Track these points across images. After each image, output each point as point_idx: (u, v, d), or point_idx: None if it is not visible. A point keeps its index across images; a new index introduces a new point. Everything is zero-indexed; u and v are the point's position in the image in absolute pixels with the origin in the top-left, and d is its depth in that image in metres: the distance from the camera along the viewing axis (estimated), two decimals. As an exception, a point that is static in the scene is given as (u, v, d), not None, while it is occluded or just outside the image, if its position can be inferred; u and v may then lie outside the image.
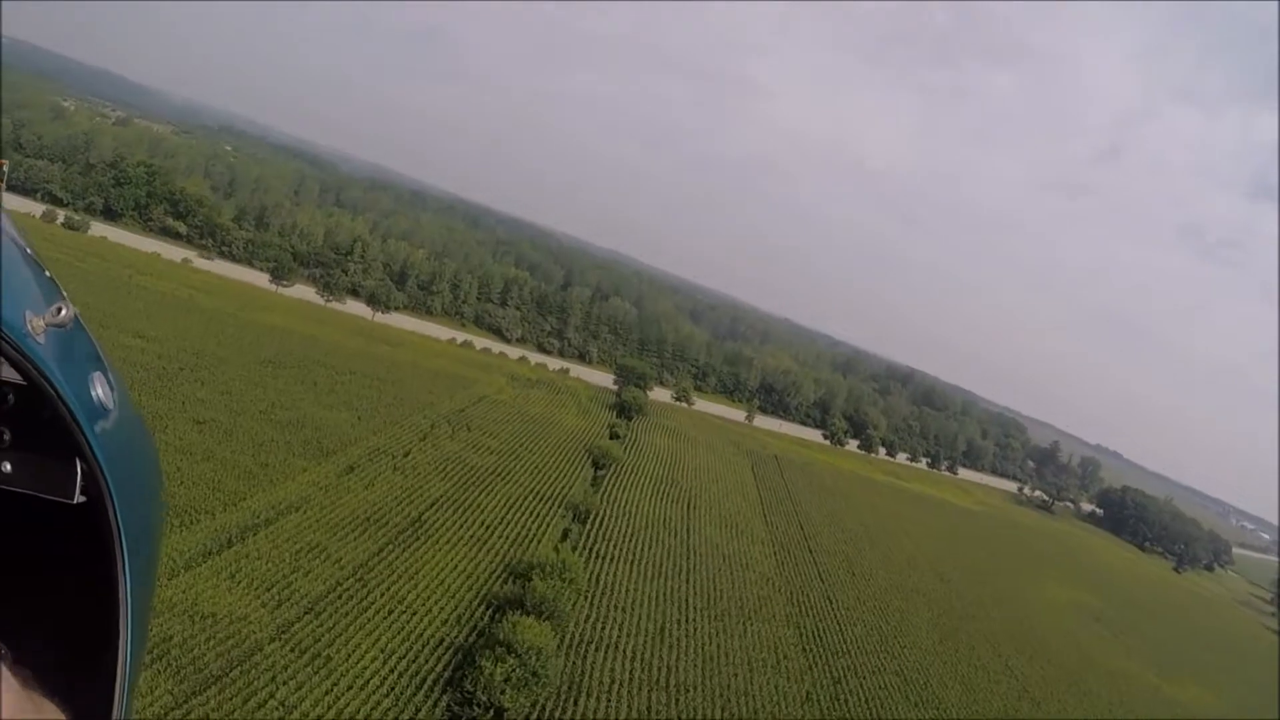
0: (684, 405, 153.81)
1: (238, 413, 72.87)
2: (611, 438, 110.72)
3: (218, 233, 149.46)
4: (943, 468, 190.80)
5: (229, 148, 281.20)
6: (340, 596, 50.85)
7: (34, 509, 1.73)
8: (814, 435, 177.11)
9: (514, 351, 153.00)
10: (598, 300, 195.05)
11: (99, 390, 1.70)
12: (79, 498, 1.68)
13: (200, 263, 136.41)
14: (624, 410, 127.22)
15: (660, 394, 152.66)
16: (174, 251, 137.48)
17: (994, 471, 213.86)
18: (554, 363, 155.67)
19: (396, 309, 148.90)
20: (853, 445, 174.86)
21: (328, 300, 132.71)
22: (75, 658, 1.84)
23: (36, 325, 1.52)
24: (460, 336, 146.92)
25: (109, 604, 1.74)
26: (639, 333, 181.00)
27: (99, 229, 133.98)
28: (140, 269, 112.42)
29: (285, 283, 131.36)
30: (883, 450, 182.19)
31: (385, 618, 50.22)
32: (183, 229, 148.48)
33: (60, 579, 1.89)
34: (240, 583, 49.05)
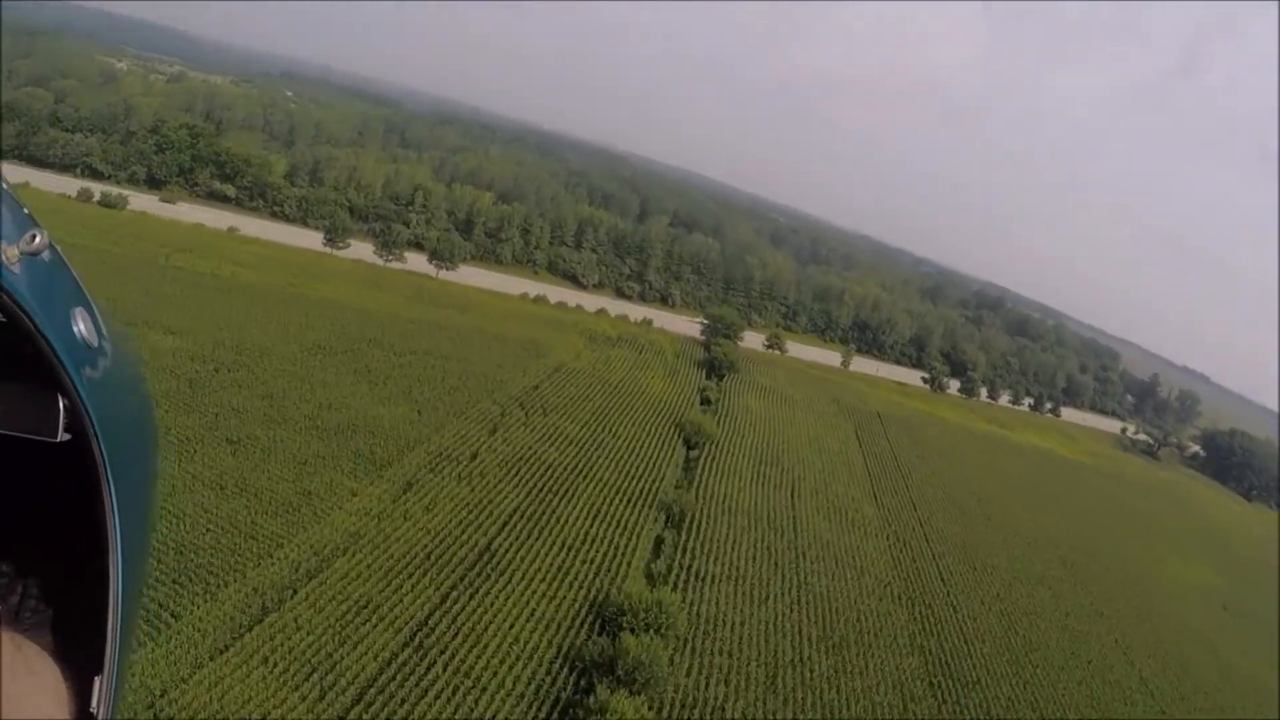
0: (776, 352, 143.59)
1: (278, 422, 65.66)
2: (702, 403, 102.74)
3: (268, 192, 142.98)
4: (1045, 409, 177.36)
5: (289, 94, 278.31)
6: (395, 675, 43.24)
7: (18, 450, 1.72)
8: (911, 376, 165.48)
9: (591, 301, 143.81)
10: (677, 233, 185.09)
11: (81, 325, 1.68)
12: (63, 435, 1.67)
13: (250, 227, 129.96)
14: (713, 368, 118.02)
15: (750, 337, 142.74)
16: (221, 218, 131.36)
17: (1093, 408, 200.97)
18: (634, 310, 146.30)
19: (463, 260, 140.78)
20: (953, 388, 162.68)
21: (386, 260, 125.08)
22: (67, 607, 1.84)
23: (10, 255, 1.51)
24: (533, 289, 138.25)
25: (100, 549, 1.73)
26: (723, 270, 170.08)
27: (141, 201, 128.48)
28: (179, 246, 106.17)
29: (340, 244, 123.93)
30: (984, 392, 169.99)
31: (450, 699, 42.51)
32: (231, 191, 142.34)
33: (49, 524, 1.90)
34: (275, 668, 41.79)
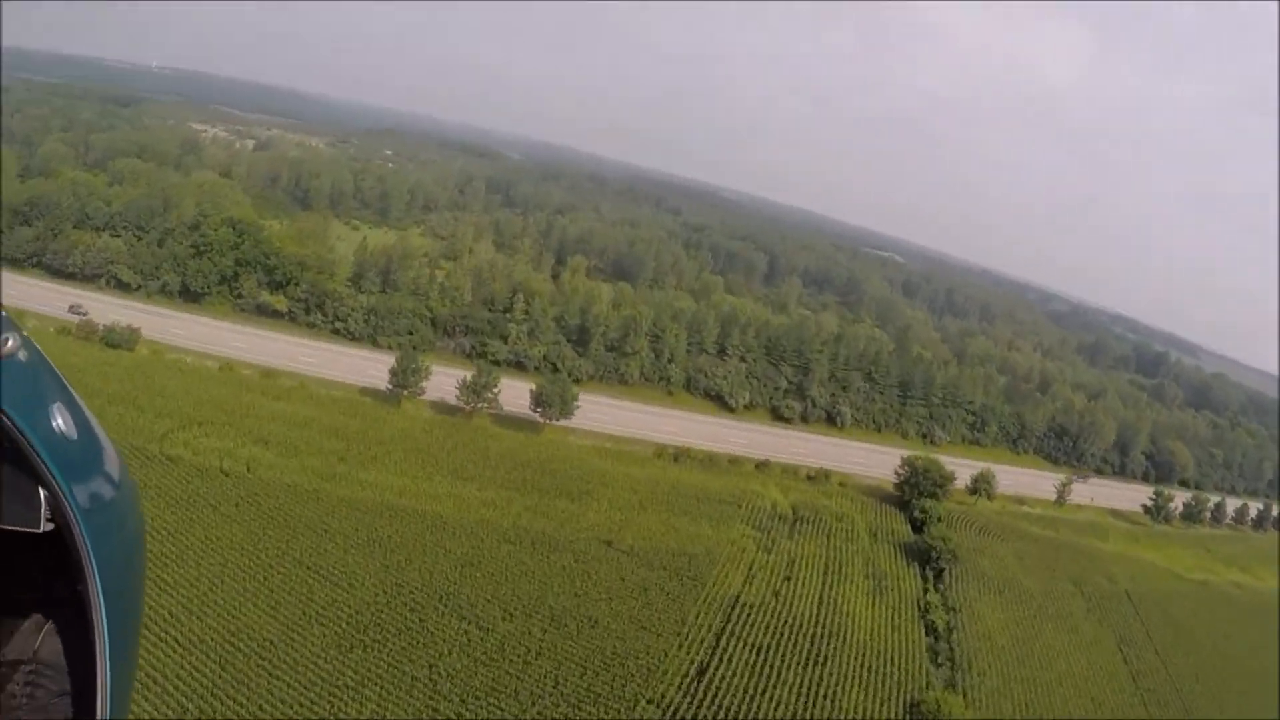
0: (984, 498, 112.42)
1: None
2: (928, 633, 76.27)
3: (328, 304, 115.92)
4: (1269, 525, 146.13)
5: (388, 152, 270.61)
6: None
7: (4, 541, 1.91)
8: (1121, 495, 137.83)
9: (743, 433, 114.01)
10: (839, 325, 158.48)
11: (59, 420, 1.88)
12: (45, 525, 1.87)
13: (301, 355, 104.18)
14: (926, 557, 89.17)
15: (943, 458, 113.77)
16: (264, 344, 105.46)
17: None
18: (797, 443, 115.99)
19: (579, 381, 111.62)
20: (1174, 503, 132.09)
21: (472, 407, 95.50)
22: (58, 689, 2.02)
23: None
24: (669, 424, 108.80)
25: (87, 632, 1.90)
26: (898, 372, 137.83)
27: (166, 326, 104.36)
28: (185, 416, 78.90)
29: (412, 388, 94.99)
30: (1209, 512, 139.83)
31: None
32: (282, 304, 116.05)
33: (38, 611, 2.09)
34: None
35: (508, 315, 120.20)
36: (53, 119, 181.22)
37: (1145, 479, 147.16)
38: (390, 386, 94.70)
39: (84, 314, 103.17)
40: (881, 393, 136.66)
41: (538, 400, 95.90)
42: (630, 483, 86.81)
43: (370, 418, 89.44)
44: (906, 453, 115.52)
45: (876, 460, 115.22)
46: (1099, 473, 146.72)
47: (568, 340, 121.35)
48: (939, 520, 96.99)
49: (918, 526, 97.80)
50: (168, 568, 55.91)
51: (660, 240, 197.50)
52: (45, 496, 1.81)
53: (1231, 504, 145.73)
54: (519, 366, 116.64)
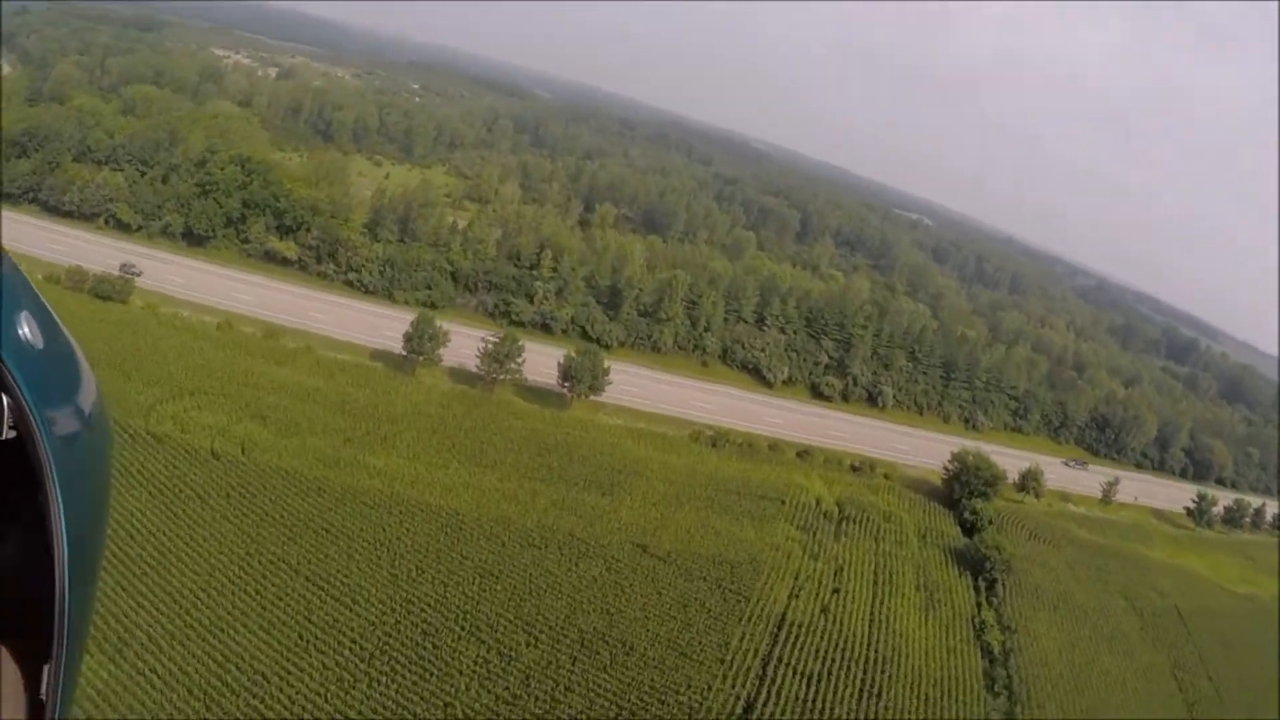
0: (1032, 497, 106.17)
1: None
2: (984, 655, 70.44)
3: (340, 252, 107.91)
4: None
5: (415, 86, 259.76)
6: None
7: None
8: (1161, 492, 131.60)
9: (781, 413, 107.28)
10: (879, 293, 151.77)
11: (26, 328, 1.86)
12: (7, 433, 1.84)
13: (312, 309, 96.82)
14: (977, 567, 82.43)
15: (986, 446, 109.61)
16: (271, 297, 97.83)
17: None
18: (837, 424, 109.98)
19: (609, 347, 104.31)
20: (1216, 505, 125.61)
21: (492, 377, 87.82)
22: (16, 608, 2.02)
23: None
24: (704, 400, 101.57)
25: (48, 545, 1.89)
26: (942, 352, 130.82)
27: (166, 273, 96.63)
28: (176, 384, 71.73)
29: (429, 355, 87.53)
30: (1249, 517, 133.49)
31: None
32: (292, 252, 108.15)
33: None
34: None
35: (534, 273, 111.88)
36: (70, 40, 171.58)
37: (1184, 476, 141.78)
38: (405, 352, 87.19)
39: (137, 273, 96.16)
40: (924, 373, 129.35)
41: (566, 374, 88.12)
42: (665, 472, 79.29)
43: (381, 389, 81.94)
44: (950, 438, 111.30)
45: (921, 447, 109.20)
46: (1138, 467, 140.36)
47: (598, 302, 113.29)
48: (990, 524, 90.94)
49: (968, 528, 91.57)
50: (146, 575, 48.95)
51: (691, 191, 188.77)
52: (8, 404, 1.79)
53: (1268, 507, 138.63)
54: (545, 329, 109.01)
